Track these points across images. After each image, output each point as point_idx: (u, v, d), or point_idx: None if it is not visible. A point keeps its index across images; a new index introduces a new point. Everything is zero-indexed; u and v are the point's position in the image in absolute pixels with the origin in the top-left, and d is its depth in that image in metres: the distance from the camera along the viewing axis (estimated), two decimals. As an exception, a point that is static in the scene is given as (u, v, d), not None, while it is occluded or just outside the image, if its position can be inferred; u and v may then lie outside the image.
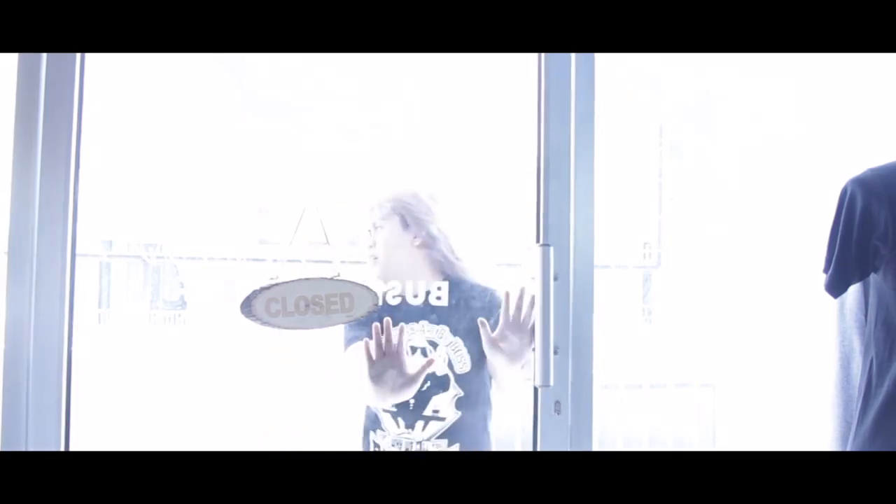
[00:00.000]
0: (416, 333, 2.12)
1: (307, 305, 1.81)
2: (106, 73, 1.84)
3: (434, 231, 2.15)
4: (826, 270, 1.83)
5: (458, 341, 2.11)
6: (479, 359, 2.11)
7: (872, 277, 1.79)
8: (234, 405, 3.52)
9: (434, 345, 2.11)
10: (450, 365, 2.10)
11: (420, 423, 2.07)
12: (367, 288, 1.87)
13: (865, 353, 1.83)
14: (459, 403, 2.09)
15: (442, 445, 2.05)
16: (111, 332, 3.82)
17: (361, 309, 1.86)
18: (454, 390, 2.10)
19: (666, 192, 3.64)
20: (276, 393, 3.47)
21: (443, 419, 2.08)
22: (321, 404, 3.45)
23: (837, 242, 1.80)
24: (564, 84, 1.77)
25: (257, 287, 1.79)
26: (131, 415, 3.46)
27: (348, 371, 2.11)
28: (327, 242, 1.88)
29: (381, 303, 1.91)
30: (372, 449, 2.14)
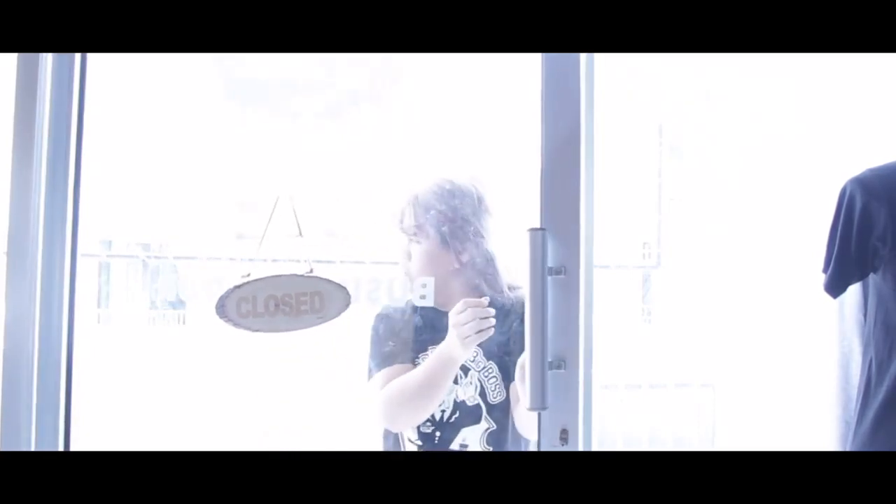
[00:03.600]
0: None
1: (277, 305, 1.68)
2: (99, 72, 1.83)
3: (481, 251, 1.89)
4: (825, 270, 1.83)
5: (493, 367, 1.87)
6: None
7: (872, 277, 1.80)
8: (233, 405, 3.52)
9: (465, 370, 1.87)
10: (482, 393, 1.86)
11: None
12: (339, 286, 1.72)
13: (865, 353, 1.83)
14: (490, 439, 1.85)
15: None
16: (111, 332, 3.82)
17: (332, 310, 1.71)
18: (486, 423, 1.85)
19: (665, 192, 3.64)
20: (275, 393, 3.47)
21: None
22: (322, 404, 3.45)
23: (837, 242, 1.80)
24: (565, 83, 1.57)
25: (231, 285, 1.68)
26: (131, 414, 3.46)
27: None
28: (300, 234, 1.76)
29: (352, 302, 1.73)
30: None
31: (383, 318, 1.96)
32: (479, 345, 1.83)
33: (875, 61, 2.65)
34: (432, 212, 1.90)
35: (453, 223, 1.88)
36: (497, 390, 1.86)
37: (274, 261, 1.74)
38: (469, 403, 1.86)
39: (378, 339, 1.95)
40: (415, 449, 1.88)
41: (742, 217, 3.34)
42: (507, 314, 1.86)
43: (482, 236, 1.90)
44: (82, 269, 1.79)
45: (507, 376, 1.86)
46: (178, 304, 3.75)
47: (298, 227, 1.76)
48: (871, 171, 1.79)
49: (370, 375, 1.94)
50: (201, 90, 3.42)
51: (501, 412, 1.85)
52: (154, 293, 3.72)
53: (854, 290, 1.89)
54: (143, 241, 3.62)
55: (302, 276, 1.70)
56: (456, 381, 1.85)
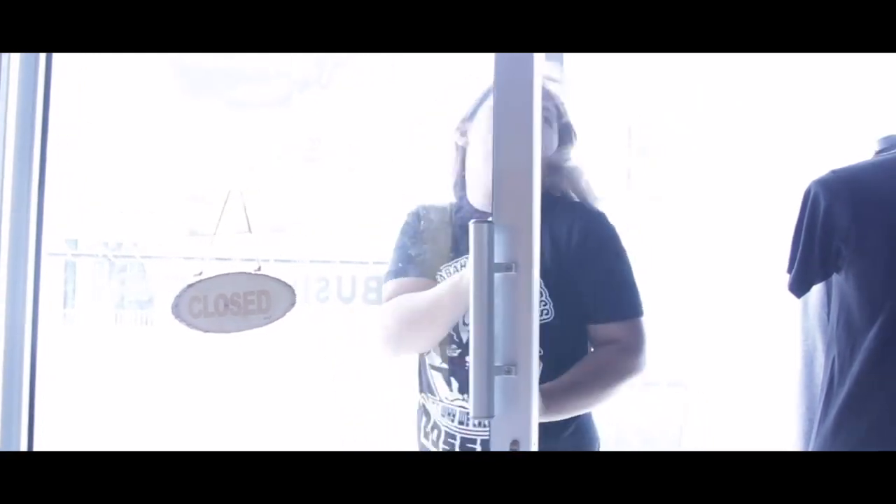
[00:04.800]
0: None
1: (226, 305, 1.64)
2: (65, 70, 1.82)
3: (564, 154, 1.71)
4: (790, 270, 1.86)
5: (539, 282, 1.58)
6: (568, 305, 1.65)
7: (835, 277, 1.82)
8: (202, 405, 3.49)
9: None
10: None
11: None
12: (285, 284, 1.67)
13: (828, 351, 1.85)
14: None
15: None
16: (76, 332, 3.77)
17: (279, 309, 1.67)
18: None
19: (635, 192, 3.67)
20: (244, 393, 3.45)
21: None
22: (291, 404, 3.44)
23: (801, 243, 1.82)
24: (518, 82, 1.39)
25: (184, 284, 1.64)
26: (96, 414, 3.43)
27: (385, 318, 1.70)
28: (249, 231, 1.71)
29: (297, 302, 1.67)
30: (422, 419, 1.74)
31: (416, 218, 1.80)
32: None
33: (840, 63, 2.69)
34: None
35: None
36: (542, 308, 1.63)
37: (227, 259, 1.72)
38: None
39: (404, 241, 1.78)
40: (440, 376, 1.70)
41: (710, 217, 3.37)
42: (571, 228, 1.67)
43: (571, 140, 1.74)
44: (48, 268, 1.77)
45: (558, 296, 1.65)
46: (146, 303, 3.72)
47: (248, 223, 1.72)
48: (835, 172, 1.81)
49: (385, 280, 1.78)
50: (155, 83, 3.39)
51: (545, 333, 1.56)
52: (121, 292, 3.69)
53: (818, 290, 1.92)
54: (109, 240, 3.59)
55: (249, 274, 1.67)
56: None
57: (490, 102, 1.58)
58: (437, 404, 1.72)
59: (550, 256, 1.65)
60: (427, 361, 1.74)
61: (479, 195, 1.74)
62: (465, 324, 1.62)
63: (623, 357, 1.69)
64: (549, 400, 1.54)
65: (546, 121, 1.69)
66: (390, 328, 1.72)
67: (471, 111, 1.77)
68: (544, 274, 1.56)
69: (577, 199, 1.76)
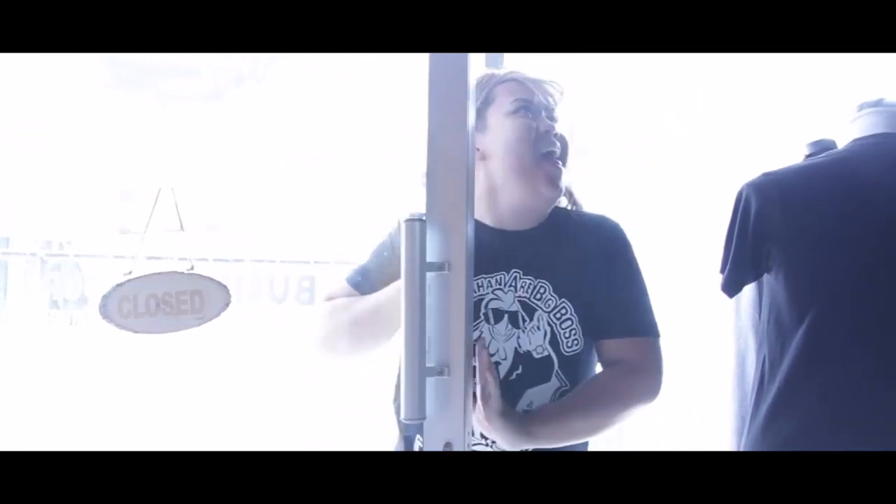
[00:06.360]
0: (503, 290, 1.48)
1: (158, 305, 1.60)
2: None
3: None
4: (722, 271, 1.89)
5: (566, 306, 1.48)
6: (590, 334, 1.50)
7: (766, 278, 1.85)
8: (135, 406, 3.44)
9: (530, 311, 1.48)
10: (553, 342, 1.47)
11: None
12: (220, 284, 1.64)
13: (759, 350, 1.88)
14: None
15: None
16: (7, 333, 3.68)
17: (212, 309, 1.63)
18: (557, 381, 1.47)
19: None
20: (180, 394, 3.40)
21: None
22: (224, 405, 3.40)
23: (733, 244, 1.85)
24: (452, 82, 1.36)
25: (113, 283, 1.59)
26: (27, 416, 3.35)
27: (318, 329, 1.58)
28: (181, 228, 1.68)
29: (232, 302, 1.62)
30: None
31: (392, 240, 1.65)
32: (545, 277, 1.48)
33: (775, 65, 2.74)
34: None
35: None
36: (573, 338, 1.48)
37: (158, 258, 1.68)
38: (536, 355, 1.47)
39: (374, 259, 1.65)
40: None
41: (646, 217, 3.41)
42: (585, 236, 1.54)
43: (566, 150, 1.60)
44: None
45: (586, 319, 1.50)
46: (80, 302, 3.64)
47: (180, 220, 1.68)
48: (766, 175, 1.84)
49: (341, 280, 1.67)
50: (84, 75, 3.31)
51: (577, 367, 1.48)
52: (53, 291, 3.60)
53: (750, 290, 1.95)
54: (41, 238, 3.50)
55: (182, 273, 1.63)
56: (517, 326, 1.47)
57: (495, 107, 1.56)
58: None
59: (575, 279, 1.51)
60: None
61: (491, 210, 1.59)
62: (491, 354, 1.48)
63: (628, 379, 1.51)
64: (536, 425, 1.41)
65: (551, 119, 1.61)
66: (326, 330, 1.62)
67: (478, 122, 1.58)
68: (571, 298, 1.48)
69: (589, 213, 1.66)
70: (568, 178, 1.65)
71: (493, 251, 1.52)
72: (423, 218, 1.29)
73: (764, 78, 2.85)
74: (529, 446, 1.44)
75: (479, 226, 1.57)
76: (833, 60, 2.32)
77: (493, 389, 1.33)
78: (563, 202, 1.67)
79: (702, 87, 3.09)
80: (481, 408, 1.36)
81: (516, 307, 1.48)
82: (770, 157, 1.95)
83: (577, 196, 1.68)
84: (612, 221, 1.62)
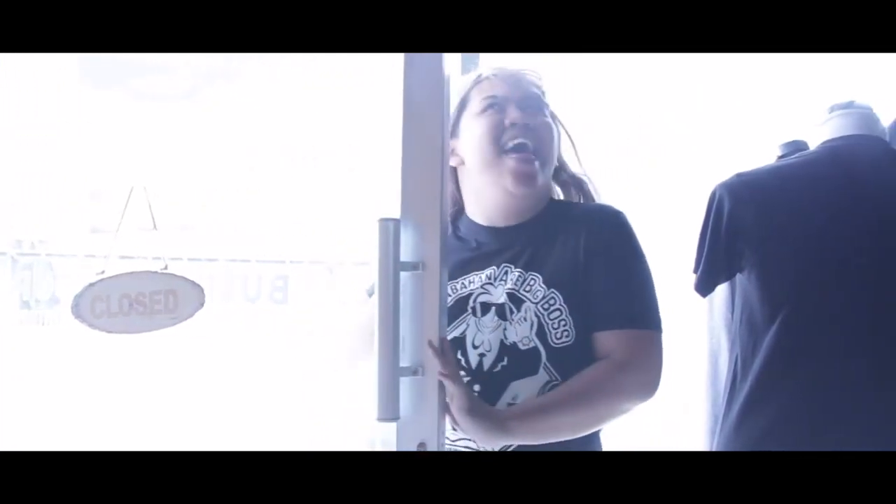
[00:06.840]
0: (493, 284, 1.45)
1: (131, 305, 1.58)
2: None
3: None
4: (696, 270, 1.90)
5: (556, 297, 1.43)
6: (585, 327, 1.44)
7: (738, 277, 1.87)
8: (108, 407, 3.41)
9: (517, 302, 1.44)
10: (540, 333, 1.43)
11: None
12: (194, 284, 1.63)
13: (731, 349, 1.90)
14: None
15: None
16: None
17: (186, 309, 1.62)
18: (545, 375, 1.43)
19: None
20: (155, 394, 3.37)
21: None
22: (193, 406, 3.38)
23: (706, 244, 1.87)
24: (428, 83, 1.36)
25: (85, 283, 1.57)
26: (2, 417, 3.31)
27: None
28: (154, 227, 1.66)
29: (206, 301, 1.62)
30: None
31: None
32: (535, 269, 1.44)
33: (775, 66, 2.75)
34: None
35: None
36: (562, 329, 1.43)
37: (131, 258, 1.66)
38: (522, 347, 1.43)
39: None
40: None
41: (646, 218, 3.41)
42: (577, 225, 1.49)
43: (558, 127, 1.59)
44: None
45: (579, 311, 1.44)
46: (52, 302, 3.60)
47: (153, 220, 1.67)
48: (739, 176, 1.86)
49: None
50: (54, 72, 3.27)
51: (567, 360, 1.42)
52: (23, 291, 3.56)
53: (723, 290, 1.97)
54: (12, 237, 3.46)
55: (156, 273, 1.62)
56: (504, 317, 1.44)
57: (467, 111, 1.55)
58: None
59: (567, 269, 1.46)
60: None
61: (480, 210, 1.58)
62: (476, 346, 1.46)
63: (618, 374, 1.43)
64: (513, 420, 1.37)
65: (531, 110, 1.56)
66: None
67: (452, 127, 1.56)
68: (562, 289, 1.44)
69: (591, 203, 1.61)
70: (581, 169, 1.64)
71: (487, 248, 1.53)
72: (398, 218, 1.29)
73: (764, 78, 2.86)
74: (508, 443, 1.41)
75: (472, 224, 1.59)
76: (833, 60, 2.33)
77: (455, 388, 1.31)
78: (573, 194, 1.63)
79: (702, 87, 3.10)
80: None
81: (504, 299, 1.45)
82: (770, 157, 1.96)
83: (591, 188, 1.63)
84: (613, 209, 1.55)
